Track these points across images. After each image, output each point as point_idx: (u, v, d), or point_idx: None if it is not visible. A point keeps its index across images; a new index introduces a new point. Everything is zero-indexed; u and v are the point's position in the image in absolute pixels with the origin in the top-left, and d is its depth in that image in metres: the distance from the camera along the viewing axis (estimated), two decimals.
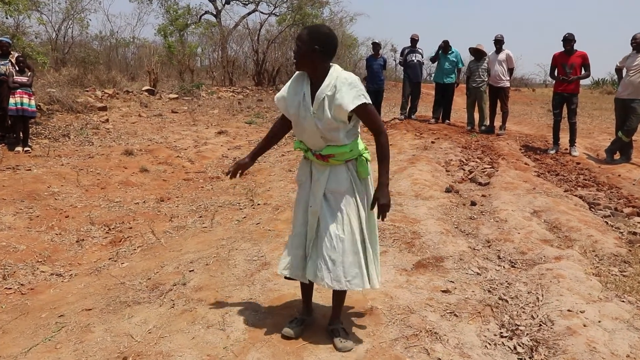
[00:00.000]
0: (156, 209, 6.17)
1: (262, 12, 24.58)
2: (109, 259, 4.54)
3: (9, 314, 3.50)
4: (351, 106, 2.47)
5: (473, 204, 5.69)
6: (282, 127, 2.89)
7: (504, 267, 3.95)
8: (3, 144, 8.50)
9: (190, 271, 3.84)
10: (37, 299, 3.77)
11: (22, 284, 4.05)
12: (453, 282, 3.56)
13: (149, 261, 4.30)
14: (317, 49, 2.52)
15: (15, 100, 8.20)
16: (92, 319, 3.20)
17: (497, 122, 10.66)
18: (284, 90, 2.73)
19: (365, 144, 2.74)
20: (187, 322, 3.03)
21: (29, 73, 8.58)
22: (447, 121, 11.47)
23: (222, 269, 3.82)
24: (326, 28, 2.60)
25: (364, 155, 2.68)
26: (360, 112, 2.53)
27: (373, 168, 2.67)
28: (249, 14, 24.69)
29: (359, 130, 2.70)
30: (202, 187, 7.35)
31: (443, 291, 3.40)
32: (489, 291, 3.44)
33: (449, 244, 4.27)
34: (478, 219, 5.16)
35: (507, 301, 3.29)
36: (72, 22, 21.29)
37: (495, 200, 5.74)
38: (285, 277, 2.86)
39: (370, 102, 2.53)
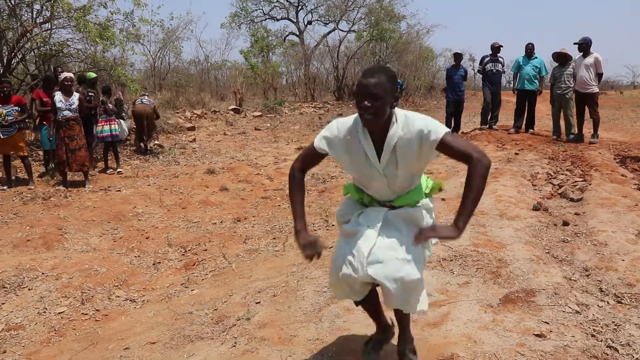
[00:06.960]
0: (232, 229, 6.14)
1: (341, 30, 25.49)
2: (181, 284, 4.51)
3: (80, 343, 3.53)
4: (441, 134, 2.04)
5: (565, 224, 5.09)
6: (304, 177, 2.40)
7: (608, 302, 3.41)
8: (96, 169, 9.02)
9: (256, 303, 3.67)
10: (108, 326, 3.78)
11: (97, 310, 4.10)
12: (548, 322, 3.09)
13: (218, 288, 4.21)
14: (397, 97, 2.07)
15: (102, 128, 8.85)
16: (154, 354, 3.12)
17: (586, 130, 9.77)
18: (332, 145, 2.25)
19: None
20: None
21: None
22: (531, 130, 10.76)
23: (290, 301, 3.63)
24: (392, 68, 2.27)
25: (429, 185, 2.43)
26: (445, 142, 2.07)
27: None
28: (329, 32, 25.66)
29: None
30: (279, 205, 7.26)
31: (536, 335, 2.93)
32: (593, 335, 2.93)
33: (541, 274, 3.80)
34: (572, 242, 4.61)
35: (617, 350, 2.76)
36: (167, 50, 22.74)
37: (591, 219, 5.13)
38: None
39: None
